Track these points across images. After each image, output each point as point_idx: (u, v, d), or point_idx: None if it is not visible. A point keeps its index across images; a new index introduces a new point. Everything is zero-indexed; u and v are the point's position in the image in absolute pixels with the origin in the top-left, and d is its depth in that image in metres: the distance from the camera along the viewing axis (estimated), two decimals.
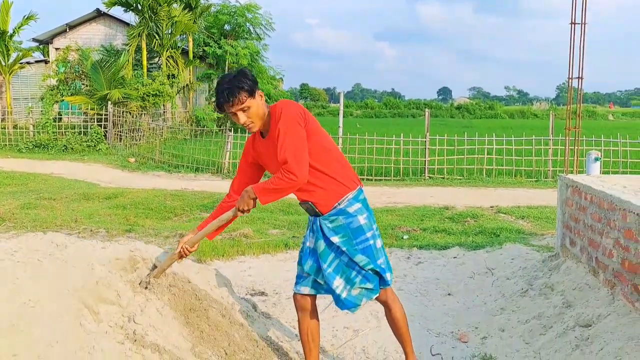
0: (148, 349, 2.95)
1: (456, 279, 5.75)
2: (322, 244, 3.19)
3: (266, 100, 3.12)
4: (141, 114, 20.23)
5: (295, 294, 3.38)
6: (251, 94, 3.01)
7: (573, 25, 5.05)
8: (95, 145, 18.75)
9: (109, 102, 19.49)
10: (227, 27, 26.29)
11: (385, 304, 3.39)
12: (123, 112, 19.63)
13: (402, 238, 7.52)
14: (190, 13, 23.60)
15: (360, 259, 3.16)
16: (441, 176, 14.12)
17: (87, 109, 19.79)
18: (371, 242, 3.19)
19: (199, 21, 25.20)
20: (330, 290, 3.24)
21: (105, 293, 3.03)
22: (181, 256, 3.30)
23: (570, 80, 5.14)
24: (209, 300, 3.53)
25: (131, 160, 16.77)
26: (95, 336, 2.74)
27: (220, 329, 3.40)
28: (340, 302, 3.23)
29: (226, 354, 3.25)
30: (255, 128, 3.11)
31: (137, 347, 2.91)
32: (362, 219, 3.18)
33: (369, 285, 3.20)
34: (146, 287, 3.31)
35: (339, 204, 3.17)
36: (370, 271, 3.19)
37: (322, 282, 3.27)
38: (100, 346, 2.70)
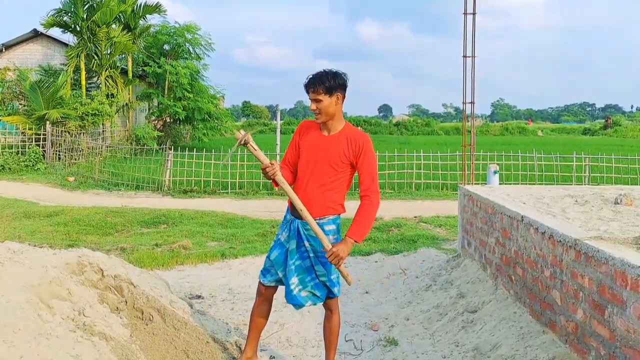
0: (96, 336, 3.50)
1: (374, 279, 6.50)
2: (293, 243, 3.68)
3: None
4: (80, 133, 20.32)
5: (260, 282, 3.87)
6: (328, 92, 3.47)
7: (465, 58, 5.92)
8: (33, 165, 18.71)
9: (47, 122, 19.51)
10: (166, 47, 26.62)
11: (329, 309, 3.89)
12: (62, 131, 19.69)
13: None
14: (130, 34, 23.87)
15: (319, 269, 3.68)
16: None
17: (25, 129, 19.74)
18: None
19: (138, 41, 25.47)
20: (287, 284, 3.73)
21: (58, 290, 3.57)
22: (268, 170, 3.49)
23: (464, 104, 6.02)
24: (146, 295, 4.10)
25: (70, 179, 16.88)
26: (51, 325, 3.27)
27: (157, 321, 3.98)
28: (289, 296, 3.72)
29: (154, 334, 3.83)
30: (320, 120, 3.56)
31: (87, 335, 3.45)
32: (331, 239, 3.63)
33: (317, 293, 3.72)
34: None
35: (320, 219, 3.58)
36: (322, 282, 3.72)
37: (281, 275, 3.75)
38: (55, 333, 3.24)
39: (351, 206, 3.89)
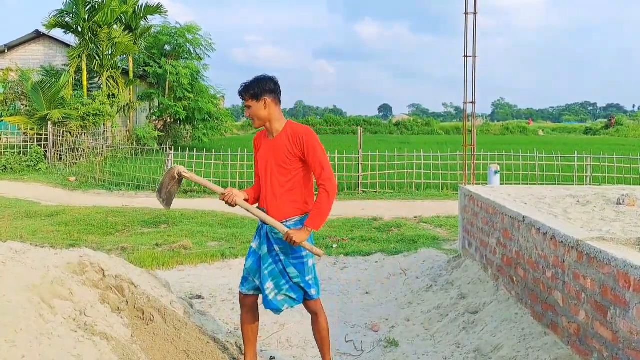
0: (97, 336, 3.50)
1: (374, 280, 6.49)
2: (265, 249, 3.76)
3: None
4: (81, 133, 20.35)
5: (240, 292, 3.95)
6: (255, 97, 3.65)
7: (466, 58, 5.92)
8: (35, 165, 18.73)
9: (49, 122, 19.53)
10: (167, 47, 26.63)
11: (313, 313, 3.92)
12: (63, 131, 19.71)
13: (332, 247, 8.21)
14: (131, 34, 23.90)
15: (292, 271, 3.72)
16: (374, 190, 14.98)
17: (27, 129, 19.75)
18: (305, 260, 3.74)
19: (140, 42, 25.51)
20: (262, 290, 3.79)
21: (59, 290, 3.57)
22: (227, 198, 3.71)
23: (465, 104, 6.01)
24: (147, 295, 4.10)
25: (71, 179, 16.89)
26: (53, 325, 3.27)
27: (157, 322, 3.98)
28: (266, 301, 3.79)
29: (155, 335, 3.83)
30: (255, 125, 3.75)
31: (88, 335, 3.45)
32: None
33: (293, 295, 3.77)
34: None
35: (286, 221, 3.67)
36: (296, 284, 3.76)
37: (258, 283, 3.82)
38: (57, 333, 3.24)
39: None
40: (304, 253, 3.72)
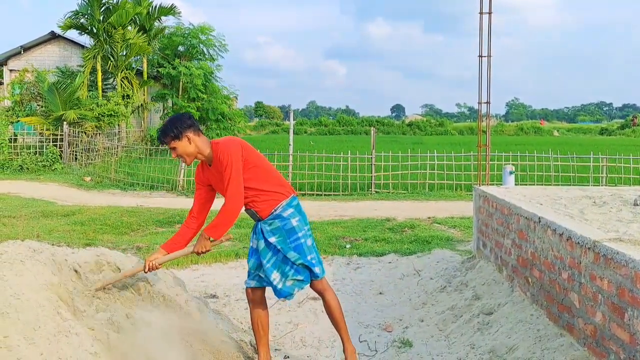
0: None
1: (388, 280, 6.47)
2: (262, 244, 3.88)
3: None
4: (96, 133, 20.53)
5: (246, 288, 4.05)
6: (176, 138, 3.72)
7: (481, 57, 5.90)
8: (50, 165, 18.95)
9: (65, 123, 19.73)
10: (181, 48, 26.77)
11: (319, 292, 4.04)
12: (78, 132, 19.90)
13: (345, 247, 8.21)
14: (145, 35, 24.06)
15: (293, 255, 3.83)
16: (387, 191, 14.95)
17: (43, 129, 19.97)
18: (302, 240, 3.87)
19: (153, 43, 25.65)
20: (269, 282, 3.90)
21: (77, 288, 3.61)
22: (149, 270, 3.86)
23: (480, 104, 5.98)
24: (163, 294, 4.13)
25: (87, 179, 17.04)
26: (71, 322, 3.31)
27: (173, 319, 4.01)
28: (277, 292, 3.90)
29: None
30: (187, 162, 3.87)
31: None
32: (294, 222, 3.86)
33: (300, 277, 3.87)
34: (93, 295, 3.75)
35: (275, 210, 3.85)
36: (300, 265, 3.86)
37: (263, 276, 3.93)
38: (75, 330, 3.27)
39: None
40: (299, 234, 3.84)
